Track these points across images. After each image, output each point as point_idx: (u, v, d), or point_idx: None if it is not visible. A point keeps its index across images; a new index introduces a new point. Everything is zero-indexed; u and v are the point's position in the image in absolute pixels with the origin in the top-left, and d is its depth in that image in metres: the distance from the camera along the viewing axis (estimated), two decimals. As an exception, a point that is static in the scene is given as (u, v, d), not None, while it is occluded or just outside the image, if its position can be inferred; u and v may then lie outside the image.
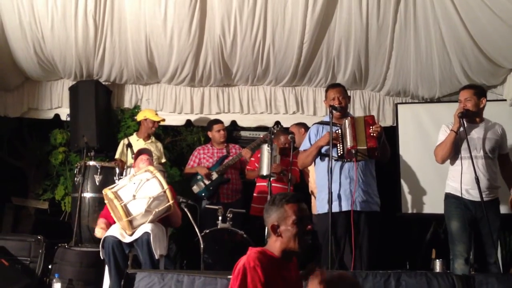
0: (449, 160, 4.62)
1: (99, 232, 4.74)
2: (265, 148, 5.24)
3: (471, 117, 4.56)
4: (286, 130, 6.08)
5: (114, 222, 4.70)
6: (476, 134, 4.55)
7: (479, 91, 4.65)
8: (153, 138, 6.41)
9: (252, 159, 6.10)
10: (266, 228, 2.79)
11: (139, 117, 6.41)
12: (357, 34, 6.03)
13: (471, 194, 4.41)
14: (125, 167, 5.90)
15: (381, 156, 4.54)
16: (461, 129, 4.43)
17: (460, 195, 4.44)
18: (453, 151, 4.51)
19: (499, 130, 4.63)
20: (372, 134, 4.38)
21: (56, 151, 6.75)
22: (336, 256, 4.38)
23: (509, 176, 4.66)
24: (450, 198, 4.58)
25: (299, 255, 2.70)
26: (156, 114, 6.39)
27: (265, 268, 2.52)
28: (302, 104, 7.00)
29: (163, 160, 6.34)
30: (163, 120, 6.41)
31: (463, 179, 4.41)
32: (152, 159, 5.26)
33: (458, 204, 4.47)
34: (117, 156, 6.22)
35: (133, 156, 5.59)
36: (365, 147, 4.36)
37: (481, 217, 4.38)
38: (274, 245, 2.67)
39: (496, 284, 3.50)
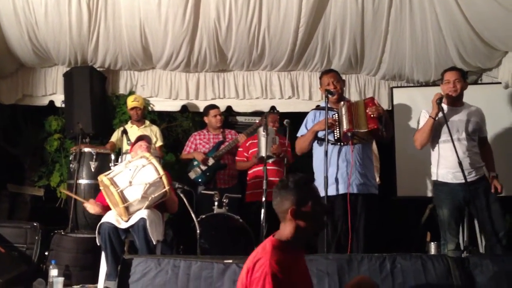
0: (430, 145, 4.65)
1: (90, 208, 4.75)
2: (261, 132, 5.22)
3: (454, 100, 4.58)
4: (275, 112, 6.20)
5: (109, 207, 4.69)
6: (458, 117, 4.57)
7: (464, 74, 4.72)
8: (147, 123, 6.40)
9: (240, 149, 6.09)
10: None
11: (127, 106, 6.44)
12: (353, 18, 6.01)
13: (457, 176, 4.42)
14: (121, 153, 5.89)
15: (387, 135, 4.54)
16: (440, 114, 4.44)
17: (446, 181, 4.49)
18: (431, 137, 4.54)
19: (479, 113, 4.66)
20: (372, 115, 4.37)
21: (51, 138, 6.75)
22: (333, 239, 4.40)
23: (488, 158, 4.68)
24: (437, 186, 4.61)
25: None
26: (134, 100, 6.32)
27: (285, 270, 2.41)
28: (298, 88, 6.98)
29: (159, 144, 6.29)
30: (138, 101, 6.30)
31: (447, 163, 4.47)
32: (150, 147, 5.24)
33: (446, 191, 4.51)
34: (111, 140, 6.24)
35: (128, 142, 5.59)
36: (366, 130, 4.36)
37: (471, 198, 4.41)
38: (287, 230, 2.58)
39: (490, 265, 3.50)
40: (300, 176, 2.64)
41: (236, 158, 6.11)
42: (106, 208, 4.71)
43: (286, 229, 2.57)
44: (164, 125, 7.07)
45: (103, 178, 4.52)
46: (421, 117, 4.68)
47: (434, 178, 4.64)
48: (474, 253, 4.62)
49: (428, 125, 4.50)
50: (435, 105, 4.45)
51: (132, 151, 5.12)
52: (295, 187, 2.56)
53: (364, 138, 4.49)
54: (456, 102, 4.61)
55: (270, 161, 5.32)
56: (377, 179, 5.09)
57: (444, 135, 4.49)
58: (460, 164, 4.29)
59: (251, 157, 5.92)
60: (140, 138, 5.19)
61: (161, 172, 4.57)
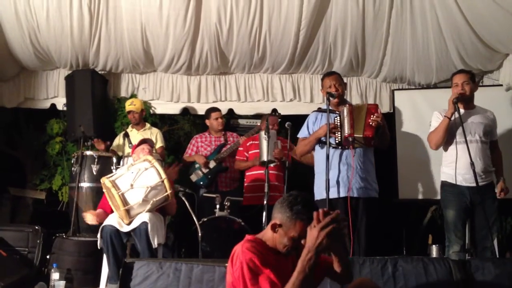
0: (442, 146, 4.65)
1: (89, 218, 4.74)
2: (262, 135, 5.20)
3: (466, 102, 4.57)
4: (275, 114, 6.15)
5: (112, 212, 4.70)
6: (470, 119, 4.57)
7: (473, 76, 4.71)
8: (148, 126, 6.40)
9: (240, 149, 6.06)
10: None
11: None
12: (354, 21, 6.01)
13: (467, 179, 4.42)
14: (123, 156, 5.90)
15: (378, 144, 4.55)
16: (456, 115, 4.43)
17: (455, 183, 4.47)
18: (446, 137, 4.53)
19: (491, 116, 4.67)
20: (370, 123, 4.38)
21: (53, 141, 6.76)
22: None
23: (497, 163, 4.67)
24: (446, 187, 4.60)
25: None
26: (131, 104, 6.33)
27: (260, 256, 2.52)
28: (299, 91, 6.97)
29: (159, 145, 6.24)
30: (134, 105, 6.30)
31: (459, 164, 4.44)
32: (152, 150, 5.23)
33: (454, 193, 4.50)
34: (113, 146, 6.24)
35: (130, 145, 5.59)
36: (361, 136, 4.37)
37: (477, 202, 4.40)
38: (268, 235, 2.67)
39: (492, 268, 3.50)
40: (310, 208, 2.54)
41: (236, 157, 6.08)
42: (108, 216, 4.71)
43: (268, 230, 2.67)
44: (165, 128, 7.07)
45: (105, 181, 4.53)
46: (433, 118, 4.68)
47: (443, 178, 4.64)
48: (476, 255, 4.60)
49: (443, 125, 4.49)
50: (451, 104, 4.45)
51: (134, 153, 5.12)
52: (296, 213, 2.54)
53: (363, 143, 4.50)
54: (467, 104, 4.62)
55: (272, 165, 5.30)
56: None
57: (458, 137, 4.48)
58: (472, 165, 4.29)
59: (251, 158, 5.91)
60: (142, 141, 5.19)
61: (163, 175, 4.56)
